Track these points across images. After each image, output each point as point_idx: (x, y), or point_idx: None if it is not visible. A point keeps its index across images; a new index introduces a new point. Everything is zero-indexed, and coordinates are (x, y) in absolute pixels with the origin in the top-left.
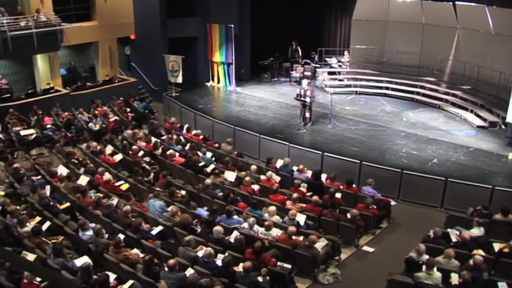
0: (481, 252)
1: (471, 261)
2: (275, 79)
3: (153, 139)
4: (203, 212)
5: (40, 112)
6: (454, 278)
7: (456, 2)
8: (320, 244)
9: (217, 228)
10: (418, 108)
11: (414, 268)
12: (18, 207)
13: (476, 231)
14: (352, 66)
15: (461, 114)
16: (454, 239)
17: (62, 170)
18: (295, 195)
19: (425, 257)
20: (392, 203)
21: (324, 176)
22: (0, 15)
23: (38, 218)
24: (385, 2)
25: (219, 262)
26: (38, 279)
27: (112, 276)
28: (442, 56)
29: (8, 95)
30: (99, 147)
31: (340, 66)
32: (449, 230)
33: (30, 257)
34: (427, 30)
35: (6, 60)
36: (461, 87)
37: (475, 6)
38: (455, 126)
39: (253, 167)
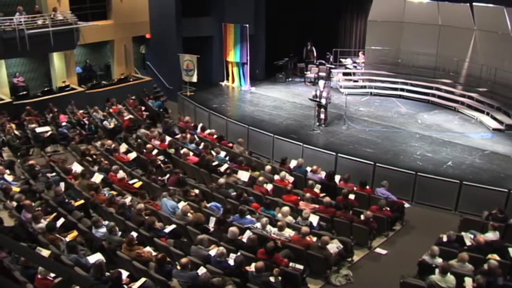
0: (496, 256)
1: (486, 266)
2: (290, 79)
3: (167, 138)
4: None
5: (55, 110)
6: (468, 283)
7: (473, 3)
8: (332, 246)
9: (233, 229)
10: (434, 110)
11: (427, 271)
12: (33, 203)
13: (491, 236)
14: (367, 67)
15: (477, 117)
16: (468, 242)
17: (77, 167)
18: (308, 195)
19: (439, 260)
20: (406, 205)
21: (337, 177)
22: (18, 14)
23: (54, 215)
24: (401, 3)
25: (231, 261)
26: (52, 274)
27: (124, 274)
28: (458, 58)
29: (24, 93)
30: (113, 145)
31: (355, 67)
32: (463, 233)
33: (45, 253)
34: (444, 31)
35: (23, 58)
36: (477, 89)
37: (493, 7)
38: (471, 128)
39: (268, 167)
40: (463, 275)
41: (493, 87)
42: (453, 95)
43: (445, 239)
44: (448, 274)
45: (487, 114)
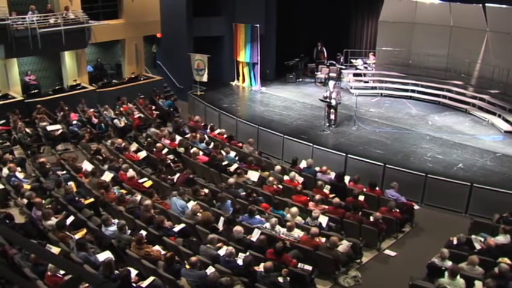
0: (506, 260)
1: (496, 269)
2: (300, 80)
3: (177, 137)
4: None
5: (66, 108)
6: (478, 286)
7: (486, 4)
8: (342, 247)
9: (237, 228)
10: (444, 111)
11: (437, 274)
12: (43, 201)
13: (502, 239)
14: (378, 68)
15: (489, 119)
16: (478, 246)
17: (87, 166)
18: (317, 196)
19: (448, 262)
20: (416, 207)
21: (347, 178)
22: (31, 13)
23: (63, 213)
24: (412, 4)
25: (240, 261)
26: (62, 271)
27: (133, 272)
28: (470, 59)
29: (36, 91)
30: (123, 144)
31: (365, 67)
32: (473, 236)
33: (54, 250)
34: (455, 32)
35: (35, 56)
36: (489, 91)
37: (507, 8)
38: (482, 130)
39: (277, 167)
40: (473, 278)
41: (505, 89)
42: (464, 97)
43: (455, 241)
44: (458, 277)
45: (499, 116)
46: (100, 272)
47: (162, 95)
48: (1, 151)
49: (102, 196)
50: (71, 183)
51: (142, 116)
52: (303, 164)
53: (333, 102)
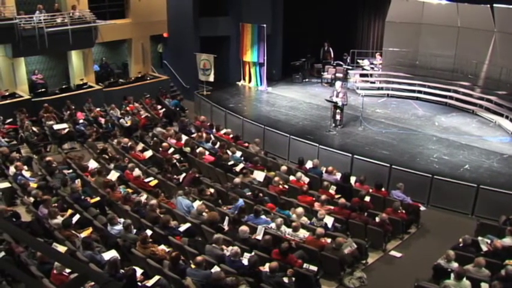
0: None
1: (503, 272)
2: (306, 80)
3: (184, 137)
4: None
5: (73, 107)
6: None
7: (494, 5)
8: (346, 245)
9: (243, 228)
10: (451, 112)
11: (442, 275)
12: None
13: (509, 241)
14: (385, 69)
15: (496, 120)
16: (484, 247)
17: (93, 165)
18: (323, 197)
19: (454, 264)
20: (422, 208)
21: (353, 179)
22: (38, 12)
23: (69, 211)
24: (419, 5)
25: (245, 261)
26: (67, 270)
27: (139, 271)
28: (477, 60)
29: (43, 90)
30: (129, 143)
31: (372, 68)
32: (480, 238)
33: (60, 248)
34: (463, 33)
35: (43, 55)
36: (496, 92)
37: None
38: (489, 132)
39: (283, 168)
40: (479, 281)
41: None
42: (471, 98)
43: (461, 243)
44: (464, 279)
45: (506, 117)
46: (105, 271)
47: (169, 94)
48: (8, 150)
49: (108, 195)
50: (77, 182)
51: (148, 115)
52: (309, 165)
53: (339, 102)
